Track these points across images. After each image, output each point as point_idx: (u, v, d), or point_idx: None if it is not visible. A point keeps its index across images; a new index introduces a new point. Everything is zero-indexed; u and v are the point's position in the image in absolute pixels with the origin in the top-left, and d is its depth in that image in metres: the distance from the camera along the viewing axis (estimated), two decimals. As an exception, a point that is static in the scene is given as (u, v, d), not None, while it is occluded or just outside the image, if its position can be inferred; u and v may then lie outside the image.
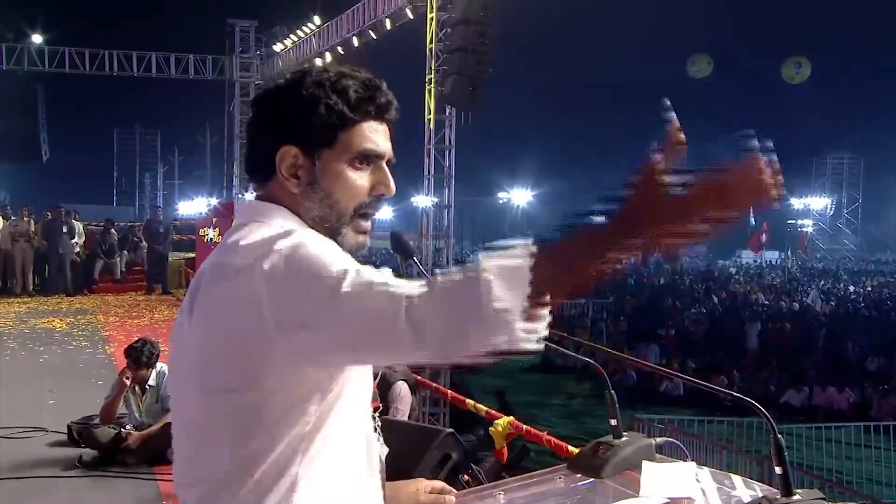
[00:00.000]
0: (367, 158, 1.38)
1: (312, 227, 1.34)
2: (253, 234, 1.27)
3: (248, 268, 1.20)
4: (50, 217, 16.61)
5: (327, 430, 1.29)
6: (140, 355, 5.74)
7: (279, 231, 1.26)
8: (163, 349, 5.96)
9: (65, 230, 16.21)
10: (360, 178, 1.38)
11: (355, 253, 1.35)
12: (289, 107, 1.37)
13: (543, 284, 1.07)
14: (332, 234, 1.34)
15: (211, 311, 1.27)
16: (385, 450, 1.88)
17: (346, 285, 1.12)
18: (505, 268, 1.06)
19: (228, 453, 1.26)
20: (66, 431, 5.96)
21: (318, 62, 19.19)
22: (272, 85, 1.44)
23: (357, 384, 1.37)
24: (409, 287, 1.11)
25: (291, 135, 1.36)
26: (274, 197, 1.38)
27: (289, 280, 1.17)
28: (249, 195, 1.49)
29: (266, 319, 1.17)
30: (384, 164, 1.41)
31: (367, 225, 1.40)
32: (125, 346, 5.96)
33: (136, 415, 5.84)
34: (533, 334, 1.11)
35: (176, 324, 1.38)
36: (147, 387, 5.82)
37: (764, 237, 43.74)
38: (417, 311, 1.08)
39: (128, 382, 5.77)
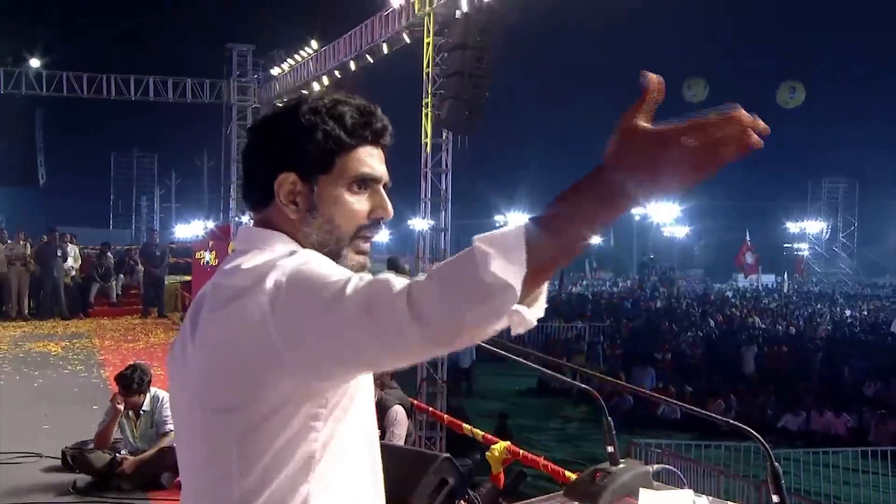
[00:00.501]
0: (365, 182, 1.39)
1: None
2: (254, 259, 1.27)
3: (250, 289, 1.21)
4: (45, 241, 16.60)
5: (336, 448, 1.29)
6: (130, 382, 5.70)
7: (280, 253, 1.27)
8: (158, 373, 5.93)
9: (59, 254, 16.19)
10: (359, 203, 1.39)
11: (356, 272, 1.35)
12: (286, 134, 1.38)
13: (540, 249, 1.05)
14: (333, 257, 1.33)
15: (214, 333, 1.27)
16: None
17: (349, 290, 1.12)
18: (499, 239, 1.05)
19: (237, 474, 1.26)
20: (60, 456, 5.92)
21: (316, 86, 19.28)
22: (268, 113, 1.45)
23: (362, 404, 1.37)
24: (411, 280, 1.10)
25: (289, 161, 1.36)
26: (272, 223, 1.39)
27: (293, 296, 1.17)
28: (246, 219, 1.49)
29: (273, 338, 1.17)
30: (381, 188, 1.42)
31: (366, 246, 1.41)
32: (117, 372, 5.93)
33: (131, 440, 5.81)
34: (534, 305, 1.10)
35: (175, 349, 1.38)
36: (141, 412, 5.78)
37: (749, 258, 42.96)
38: (416, 296, 1.07)
39: (121, 408, 5.74)
